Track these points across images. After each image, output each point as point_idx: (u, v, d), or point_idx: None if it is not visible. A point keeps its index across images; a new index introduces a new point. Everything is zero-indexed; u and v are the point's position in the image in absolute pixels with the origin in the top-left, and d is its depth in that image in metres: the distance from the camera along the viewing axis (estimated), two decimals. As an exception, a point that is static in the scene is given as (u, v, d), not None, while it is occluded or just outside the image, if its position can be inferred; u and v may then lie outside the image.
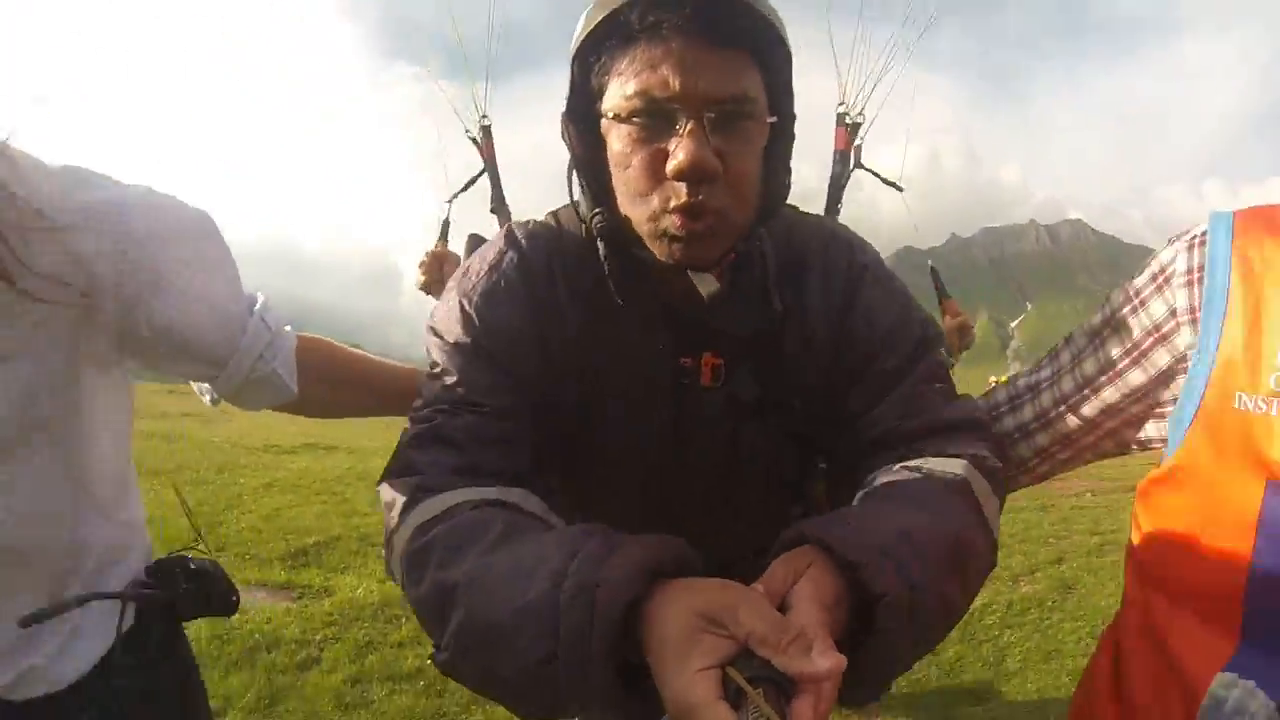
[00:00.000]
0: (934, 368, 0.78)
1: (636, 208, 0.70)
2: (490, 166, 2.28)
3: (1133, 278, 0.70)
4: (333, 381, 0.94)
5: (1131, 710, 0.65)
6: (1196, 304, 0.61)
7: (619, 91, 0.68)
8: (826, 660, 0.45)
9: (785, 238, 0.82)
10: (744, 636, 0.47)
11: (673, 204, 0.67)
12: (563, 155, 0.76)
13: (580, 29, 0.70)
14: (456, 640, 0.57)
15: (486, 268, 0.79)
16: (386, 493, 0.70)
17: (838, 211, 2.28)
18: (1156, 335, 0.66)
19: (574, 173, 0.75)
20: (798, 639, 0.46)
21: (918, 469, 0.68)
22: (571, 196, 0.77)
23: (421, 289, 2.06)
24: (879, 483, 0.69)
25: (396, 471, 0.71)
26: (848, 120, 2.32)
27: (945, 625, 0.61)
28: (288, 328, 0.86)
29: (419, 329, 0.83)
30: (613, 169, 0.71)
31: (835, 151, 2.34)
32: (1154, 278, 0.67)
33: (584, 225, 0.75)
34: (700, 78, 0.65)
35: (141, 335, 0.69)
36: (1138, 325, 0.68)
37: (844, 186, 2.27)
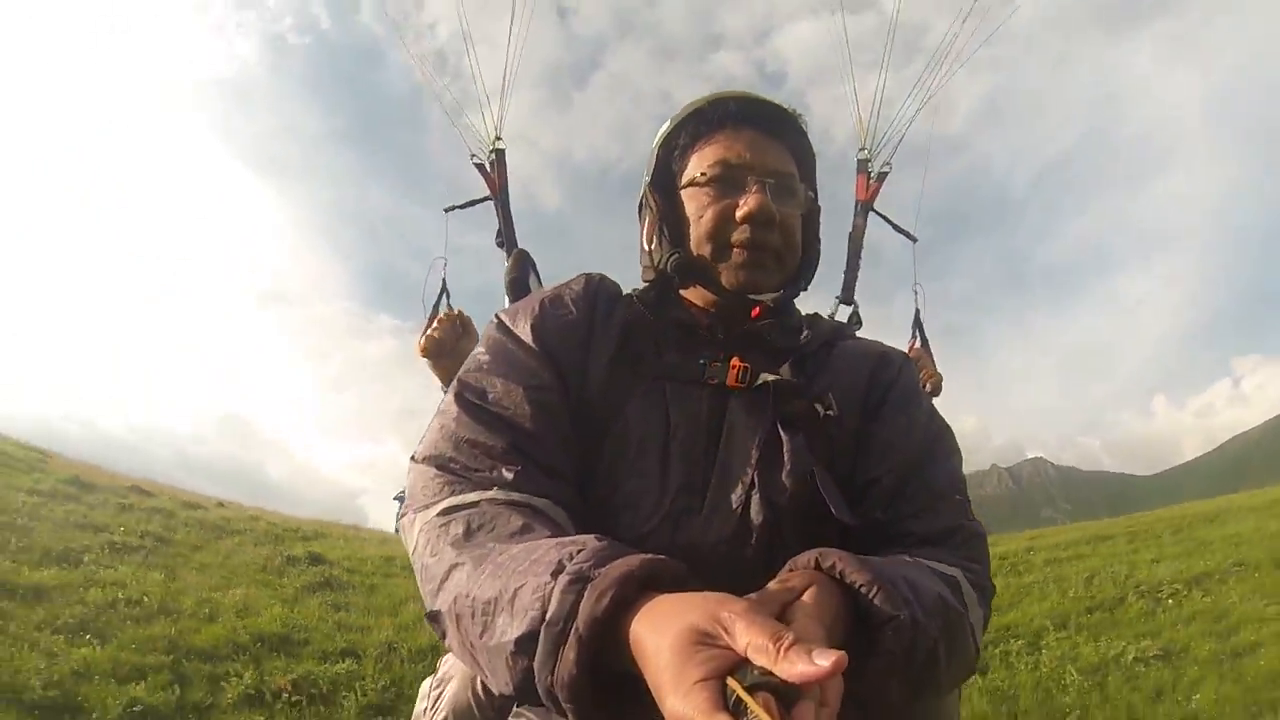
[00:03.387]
0: (960, 478, 0.89)
1: (709, 245, 0.90)
2: (500, 195, 2.00)
3: None
4: None
5: None
6: None
7: (699, 165, 0.92)
8: (826, 658, 0.44)
9: (830, 324, 1.00)
10: (742, 647, 0.47)
11: (739, 239, 0.88)
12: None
13: (666, 127, 0.97)
14: (452, 607, 0.63)
15: (559, 284, 0.96)
16: (420, 475, 0.78)
17: (858, 264, 2.08)
18: None
19: (661, 227, 0.93)
20: (795, 645, 0.45)
21: (917, 559, 0.75)
22: (647, 249, 0.96)
23: (425, 354, 1.85)
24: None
25: (432, 459, 0.79)
26: (870, 169, 2.15)
27: (928, 684, 0.65)
28: None
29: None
30: (691, 220, 0.91)
31: (857, 203, 2.14)
32: None
33: (654, 268, 0.95)
34: (764, 155, 0.90)
35: None
36: None
37: (863, 242, 2.10)
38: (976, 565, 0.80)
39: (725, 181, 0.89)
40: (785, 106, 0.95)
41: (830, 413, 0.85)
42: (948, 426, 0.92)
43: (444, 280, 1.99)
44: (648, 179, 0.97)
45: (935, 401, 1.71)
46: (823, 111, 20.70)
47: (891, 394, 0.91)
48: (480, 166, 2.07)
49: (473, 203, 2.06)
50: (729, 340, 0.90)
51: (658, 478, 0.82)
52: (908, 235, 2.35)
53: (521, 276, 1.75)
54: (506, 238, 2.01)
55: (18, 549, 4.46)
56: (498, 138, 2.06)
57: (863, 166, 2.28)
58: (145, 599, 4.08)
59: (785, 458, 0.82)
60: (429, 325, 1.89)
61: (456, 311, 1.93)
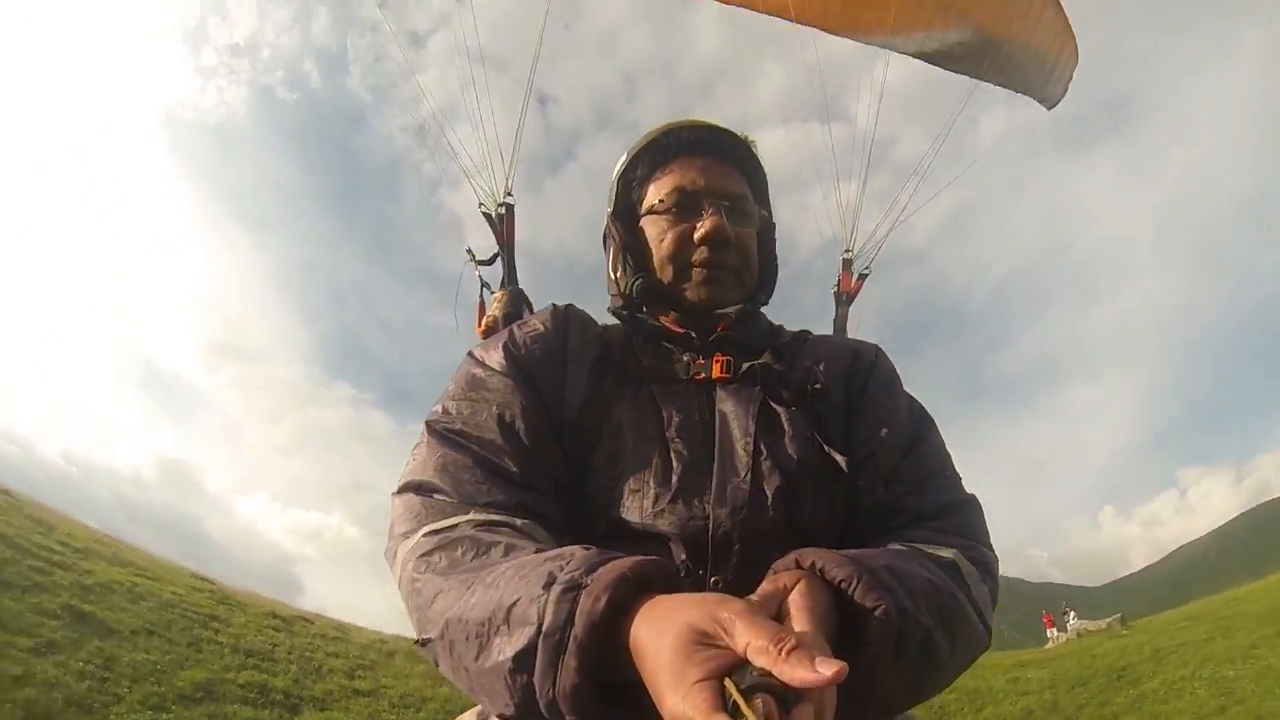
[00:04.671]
0: (948, 454, 0.92)
1: (670, 268, 0.96)
2: (508, 247, 2.22)
3: None
4: None
5: None
6: None
7: (657, 194, 0.98)
8: (829, 666, 0.44)
9: (800, 334, 1.05)
10: (742, 648, 0.47)
11: (699, 259, 0.94)
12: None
13: (624, 159, 1.03)
14: (444, 632, 0.63)
15: (533, 314, 1.01)
16: (401, 504, 0.79)
17: None
18: None
19: (624, 255, 0.99)
20: (797, 648, 0.45)
21: (910, 546, 0.76)
22: (612, 277, 1.01)
23: (487, 334, 2.04)
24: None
25: (409, 487, 0.80)
26: (853, 269, 2.57)
27: (929, 671, 0.65)
28: None
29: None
30: (652, 246, 0.97)
31: (841, 294, 2.54)
32: None
33: (620, 295, 0.99)
34: (717, 180, 0.96)
35: None
36: None
37: (846, 328, 2.43)
38: (973, 541, 0.80)
39: (683, 207, 0.94)
40: (736, 132, 1.00)
41: (817, 386, 0.88)
42: (925, 408, 0.95)
43: (480, 276, 2.19)
44: (609, 210, 1.02)
45: None
46: (790, 218, 19.48)
47: (874, 376, 0.95)
48: (489, 217, 2.24)
49: (491, 259, 2.22)
50: (704, 345, 0.93)
51: (661, 465, 0.82)
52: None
53: (516, 313, 1.89)
54: (510, 283, 2.19)
55: (301, 673, 6.64)
56: (508, 193, 2.23)
57: (847, 265, 2.68)
58: (414, 699, 6.80)
59: (784, 426, 0.85)
60: (482, 315, 2.11)
61: (503, 294, 2.13)
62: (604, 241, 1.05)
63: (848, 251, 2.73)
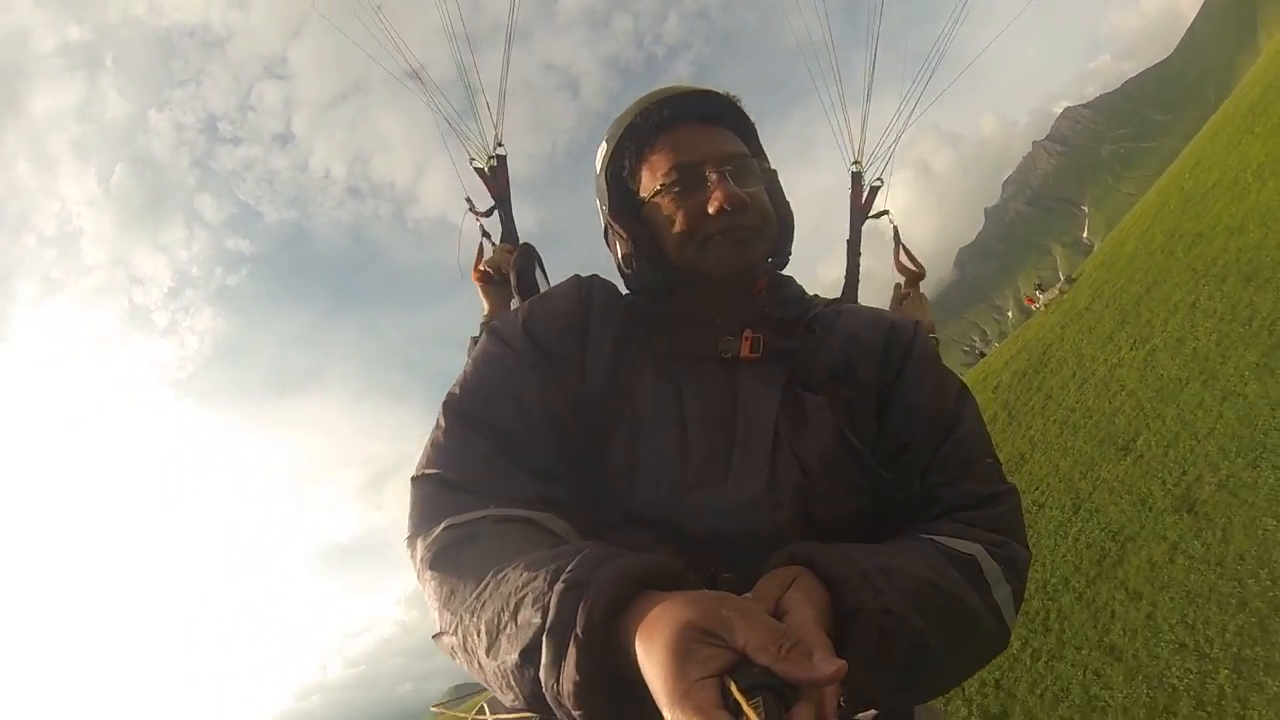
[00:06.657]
0: (989, 440, 0.89)
1: (689, 245, 0.90)
2: (502, 200, 2.23)
3: None
4: None
5: None
6: None
7: (654, 177, 0.92)
8: (829, 664, 0.45)
9: (833, 304, 1.02)
10: (741, 646, 0.47)
11: (718, 228, 0.88)
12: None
13: (605, 150, 0.97)
14: (458, 626, 0.65)
15: (554, 287, 0.98)
16: (420, 494, 0.78)
17: (858, 269, 2.29)
18: None
19: (636, 248, 0.93)
20: (797, 646, 0.46)
21: (930, 539, 0.75)
22: (628, 271, 0.96)
23: (482, 279, 2.06)
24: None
25: (430, 478, 0.79)
26: (864, 181, 2.43)
27: (922, 672, 0.64)
28: None
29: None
30: (664, 229, 0.91)
31: (852, 213, 2.43)
32: None
33: (644, 288, 0.96)
34: (712, 145, 0.92)
35: None
36: None
37: (860, 247, 2.35)
38: (1003, 537, 0.78)
39: (685, 182, 0.90)
40: (715, 90, 0.95)
41: (848, 373, 0.87)
42: (966, 386, 0.92)
43: (481, 225, 2.19)
44: (605, 207, 0.97)
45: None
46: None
47: (912, 356, 0.91)
48: (480, 171, 2.19)
49: (490, 212, 2.21)
50: (731, 321, 0.90)
51: (678, 452, 0.81)
52: (914, 262, 2.52)
53: (528, 268, 1.79)
54: (508, 237, 2.16)
55: None
56: (499, 144, 2.18)
57: (857, 179, 2.48)
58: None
59: (809, 416, 0.83)
60: (479, 259, 2.08)
61: (505, 246, 2.09)
62: (605, 239, 1.01)
63: (856, 164, 2.58)
